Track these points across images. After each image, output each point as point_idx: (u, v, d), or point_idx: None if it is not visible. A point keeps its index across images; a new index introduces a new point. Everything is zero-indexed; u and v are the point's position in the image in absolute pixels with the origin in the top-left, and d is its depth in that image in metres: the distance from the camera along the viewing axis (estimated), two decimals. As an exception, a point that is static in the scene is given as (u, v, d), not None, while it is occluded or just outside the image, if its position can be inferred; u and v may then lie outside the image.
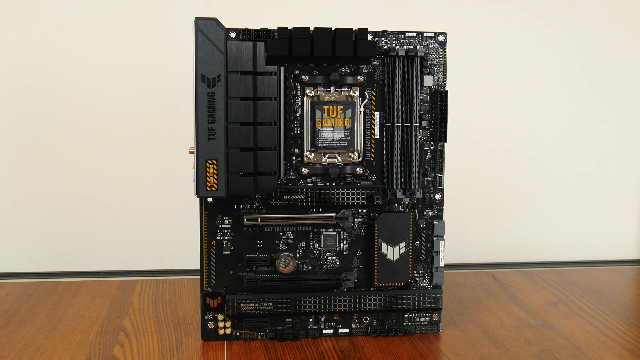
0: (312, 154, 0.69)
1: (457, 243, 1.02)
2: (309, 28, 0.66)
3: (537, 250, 1.06)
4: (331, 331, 0.72)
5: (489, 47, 1.01)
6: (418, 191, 0.70)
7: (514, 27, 1.02)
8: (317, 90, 0.68)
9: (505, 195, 1.04)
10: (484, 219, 1.04)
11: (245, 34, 0.66)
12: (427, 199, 0.71)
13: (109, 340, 0.70)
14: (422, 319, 0.72)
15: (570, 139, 1.05)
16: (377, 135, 0.69)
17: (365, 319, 0.72)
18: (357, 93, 0.69)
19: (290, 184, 0.69)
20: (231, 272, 0.69)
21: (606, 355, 0.68)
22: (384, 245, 0.70)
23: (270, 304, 0.69)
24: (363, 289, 0.71)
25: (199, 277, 0.73)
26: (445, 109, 0.69)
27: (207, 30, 0.64)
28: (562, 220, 1.06)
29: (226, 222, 0.69)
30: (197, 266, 0.89)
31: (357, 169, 0.69)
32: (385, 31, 0.69)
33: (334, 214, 0.70)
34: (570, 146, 1.05)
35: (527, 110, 1.03)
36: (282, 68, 0.67)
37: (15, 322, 0.76)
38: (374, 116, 0.69)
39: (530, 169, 1.04)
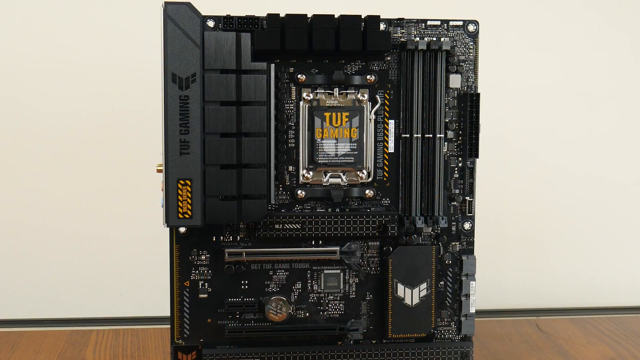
0: (311, 173, 0.64)
1: (492, 283, 0.96)
2: (306, 15, 0.61)
3: (592, 292, 1.00)
4: (335, 394, 0.67)
5: (525, 39, 0.94)
6: (443, 219, 0.64)
7: (559, 16, 0.95)
8: (317, 93, 0.64)
9: (553, 223, 0.97)
10: (525, 254, 0.98)
11: (227, 23, 0.61)
12: (453, 228, 0.66)
13: (55, 409, 0.64)
14: (448, 379, 0.68)
15: (636, 153, 0.98)
16: (391, 150, 0.65)
17: (378, 379, 0.67)
18: (366, 96, 0.64)
19: (283, 210, 0.64)
20: (209, 320, 0.65)
21: None
22: (400, 287, 0.65)
23: (258, 361, 0.65)
24: (374, 342, 0.66)
25: (169, 326, 0.69)
26: (477, 116, 0.65)
27: (178, 18, 0.59)
28: (623, 255, 0.99)
29: (203, 257, 0.65)
30: (167, 313, 0.83)
31: (367, 192, 0.64)
32: (402, 19, 0.63)
33: (337, 248, 0.65)
34: (636, 162, 0.98)
35: (580, 117, 0.96)
36: (272, 65, 0.62)
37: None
38: (388, 125, 0.65)
39: (584, 190, 0.97)
